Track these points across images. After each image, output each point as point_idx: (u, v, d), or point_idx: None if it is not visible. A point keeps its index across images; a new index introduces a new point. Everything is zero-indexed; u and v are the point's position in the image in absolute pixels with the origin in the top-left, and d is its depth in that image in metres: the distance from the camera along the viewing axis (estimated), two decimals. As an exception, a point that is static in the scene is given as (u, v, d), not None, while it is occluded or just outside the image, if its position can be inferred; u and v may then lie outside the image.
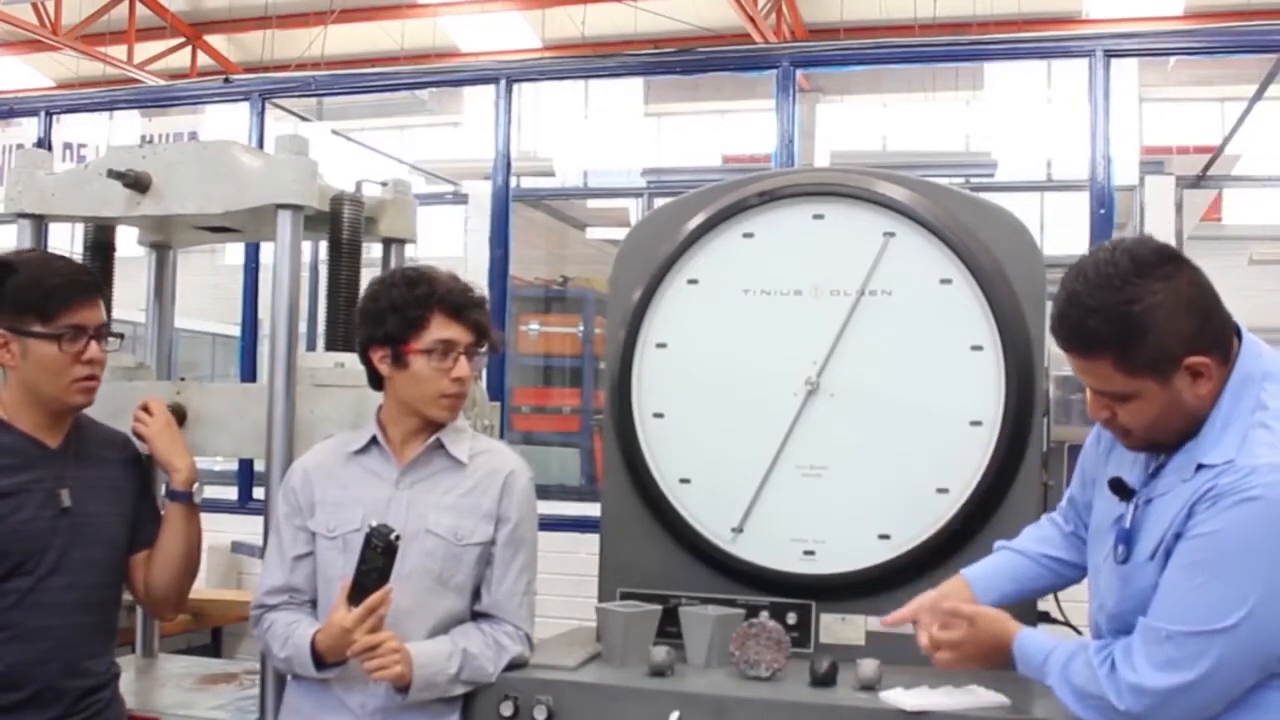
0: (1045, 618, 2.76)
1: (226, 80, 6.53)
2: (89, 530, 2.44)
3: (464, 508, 2.50)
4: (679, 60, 6.03)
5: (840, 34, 13.48)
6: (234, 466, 5.79)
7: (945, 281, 2.82)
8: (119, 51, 14.46)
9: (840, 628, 2.83)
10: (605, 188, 11.02)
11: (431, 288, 2.47)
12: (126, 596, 2.64)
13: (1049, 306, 1.99)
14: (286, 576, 2.53)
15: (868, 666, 2.47)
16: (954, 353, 2.79)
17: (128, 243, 3.36)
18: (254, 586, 2.69)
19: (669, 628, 2.76)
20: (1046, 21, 13.21)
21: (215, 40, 16.48)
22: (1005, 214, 2.91)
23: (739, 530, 2.88)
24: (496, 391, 4.94)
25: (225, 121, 7.43)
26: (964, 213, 2.87)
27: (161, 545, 2.60)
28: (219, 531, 5.40)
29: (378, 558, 2.30)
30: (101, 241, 3.22)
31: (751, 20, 12.59)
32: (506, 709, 2.45)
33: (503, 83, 5.39)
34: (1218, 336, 1.90)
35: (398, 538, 2.31)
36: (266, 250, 4.54)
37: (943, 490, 2.77)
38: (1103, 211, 4.69)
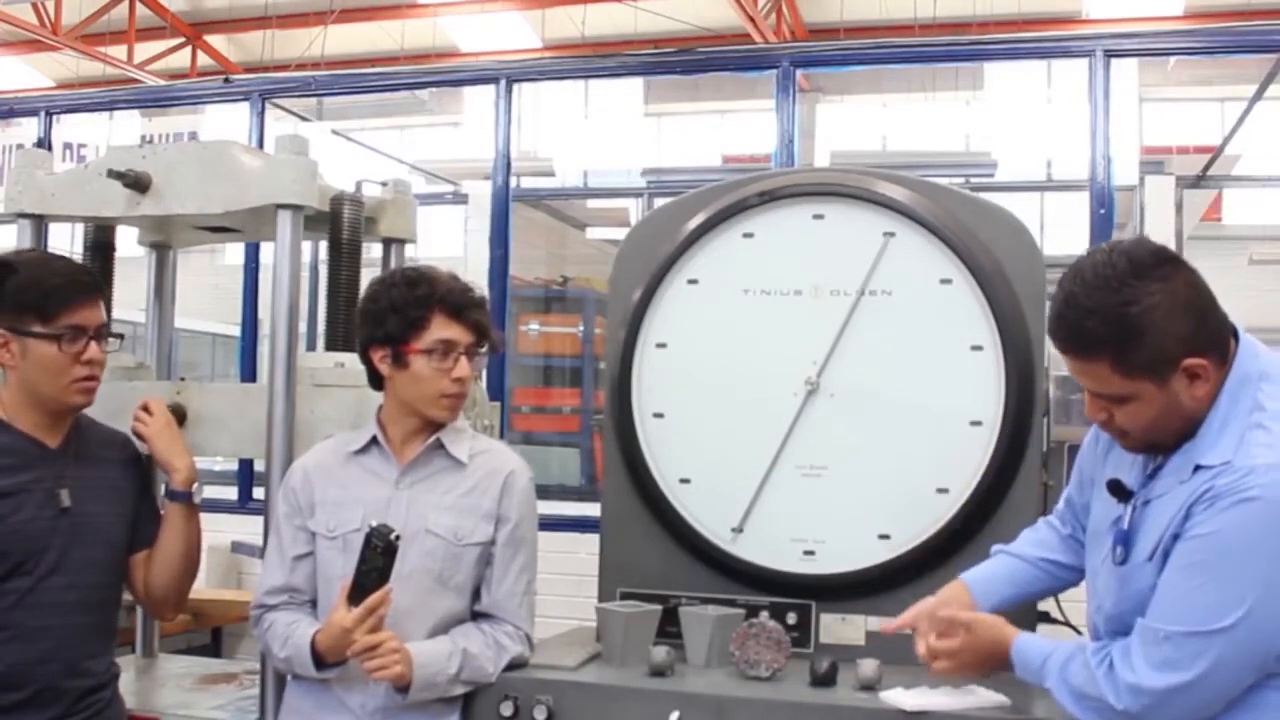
0: (1045, 618, 2.76)
1: (226, 80, 6.53)
2: (89, 530, 2.44)
3: (464, 508, 2.50)
4: (679, 60, 6.03)
5: (840, 34, 13.48)
6: (234, 466, 5.79)
7: (945, 281, 2.82)
8: (119, 51, 14.47)
9: (840, 628, 2.83)
10: (605, 188, 11.02)
11: (432, 288, 2.47)
12: (126, 596, 2.64)
13: (1049, 306, 1.99)
14: (286, 576, 2.53)
15: (868, 666, 2.47)
16: (954, 353, 2.79)
17: (128, 243, 3.36)
18: (254, 586, 2.69)
19: (669, 628, 2.76)
20: (1046, 21, 13.21)
21: (215, 40, 16.49)
22: (1005, 214, 2.91)
23: (739, 530, 2.88)
24: (496, 391, 4.94)
25: (225, 121, 7.43)
26: (964, 213, 2.87)
27: (161, 545, 2.60)
28: (219, 531, 5.40)
29: (378, 558, 2.30)
30: (101, 241, 3.22)
31: (751, 20, 12.59)
32: (506, 709, 2.45)
33: (503, 83, 5.40)
34: (1215, 338, 1.90)
35: (398, 538, 2.31)
36: (266, 250, 4.54)
37: (943, 490, 2.77)
38: (1103, 211, 4.70)
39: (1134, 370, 1.87)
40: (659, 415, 2.96)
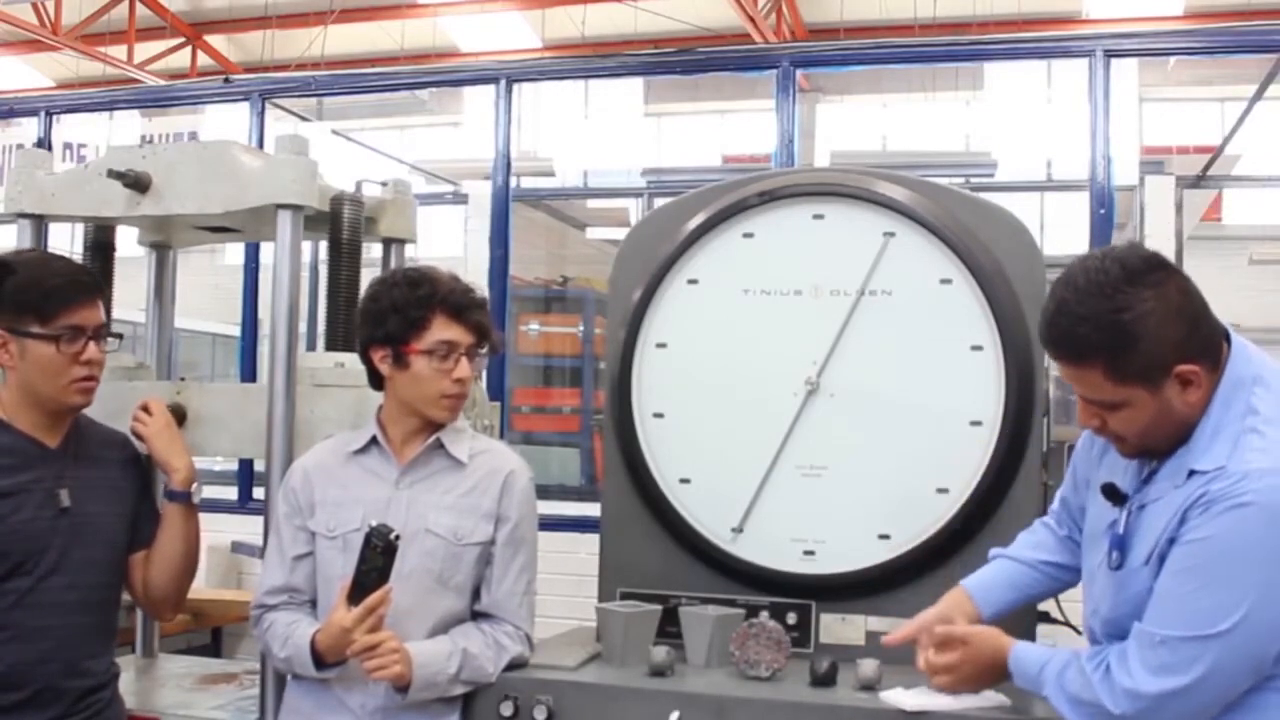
0: (1045, 618, 2.76)
1: (226, 80, 6.53)
2: (88, 530, 2.44)
3: (464, 507, 2.50)
4: (679, 60, 6.03)
5: (840, 34, 13.48)
6: (234, 466, 5.79)
7: (945, 281, 2.81)
8: (119, 51, 14.47)
9: (840, 628, 2.83)
10: (605, 188, 11.03)
11: (433, 288, 2.47)
12: (126, 596, 2.64)
13: (1041, 312, 1.99)
14: (286, 576, 2.53)
15: (868, 666, 2.47)
16: (954, 353, 2.79)
17: (128, 243, 3.36)
18: (254, 586, 2.69)
19: (669, 628, 2.76)
20: (1046, 21, 13.21)
21: (215, 40, 16.49)
22: (1005, 214, 2.91)
23: (739, 530, 2.88)
24: (496, 391, 4.94)
25: (225, 121, 7.43)
26: (964, 213, 2.87)
27: (160, 545, 2.59)
28: (219, 531, 5.40)
29: (377, 557, 2.30)
30: (101, 241, 3.22)
31: (751, 20, 12.60)
32: (506, 709, 2.45)
33: (503, 83, 5.39)
34: (1207, 343, 1.90)
35: (397, 537, 2.31)
36: (266, 250, 4.54)
37: (943, 490, 2.77)
38: (1103, 211, 4.69)
39: (1127, 377, 1.88)
40: (659, 415, 2.96)
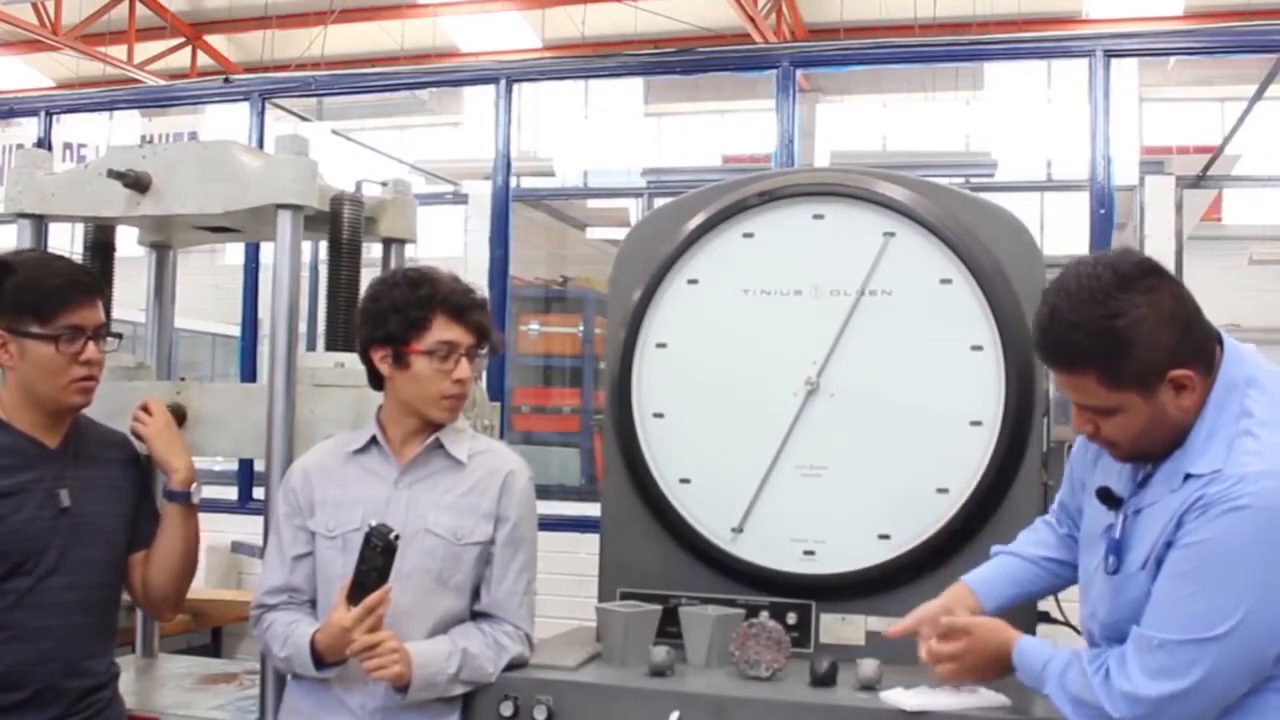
0: (1045, 618, 2.76)
1: (226, 80, 6.53)
2: (88, 530, 2.44)
3: (463, 507, 2.50)
4: (679, 60, 6.03)
5: (840, 34, 13.48)
6: (234, 466, 5.79)
7: (945, 281, 2.82)
8: (119, 51, 14.47)
9: (840, 628, 2.83)
10: (605, 188, 11.02)
11: (434, 289, 2.47)
12: (126, 596, 2.64)
13: (1034, 319, 1.99)
14: (286, 576, 2.53)
15: (868, 666, 2.47)
16: (954, 353, 2.79)
17: (128, 243, 3.36)
18: (254, 586, 2.69)
19: (669, 628, 2.76)
20: (1046, 21, 13.21)
21: (215, 40, 16.49)
22: (1005, 214, 2.91)
23: (739, 530, 2.88)
24: (496, 391, 4.94)
25: (225, 121, 7.43)
26: (964, 213, 2.87)
27: (159, 545, 2.59)
28: (219, 531, 5.40)
29: (377, 557, 2.30)
30: (101, 241, 3.22)
31: (751, 20, 12.60)
32: (506, 709, 2.45)
33: (503, 83, 5.39)
34: (1200, 348, 1.90)
35: (397, 537, 2.31)
36: (266, 250, 4.54)
37: (943, 490, 2.77)
38: (1103, 211, 4.69)
39: (1121, 383, 1.88)
40: (659, 415, 2.96)
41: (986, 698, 2.35)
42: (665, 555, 2.94)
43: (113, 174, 2.86)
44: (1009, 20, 13.24)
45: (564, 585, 3.92)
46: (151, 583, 2.59)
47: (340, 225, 2.95)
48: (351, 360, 2.69)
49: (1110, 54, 4.72)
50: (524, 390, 9.56)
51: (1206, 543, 1.81)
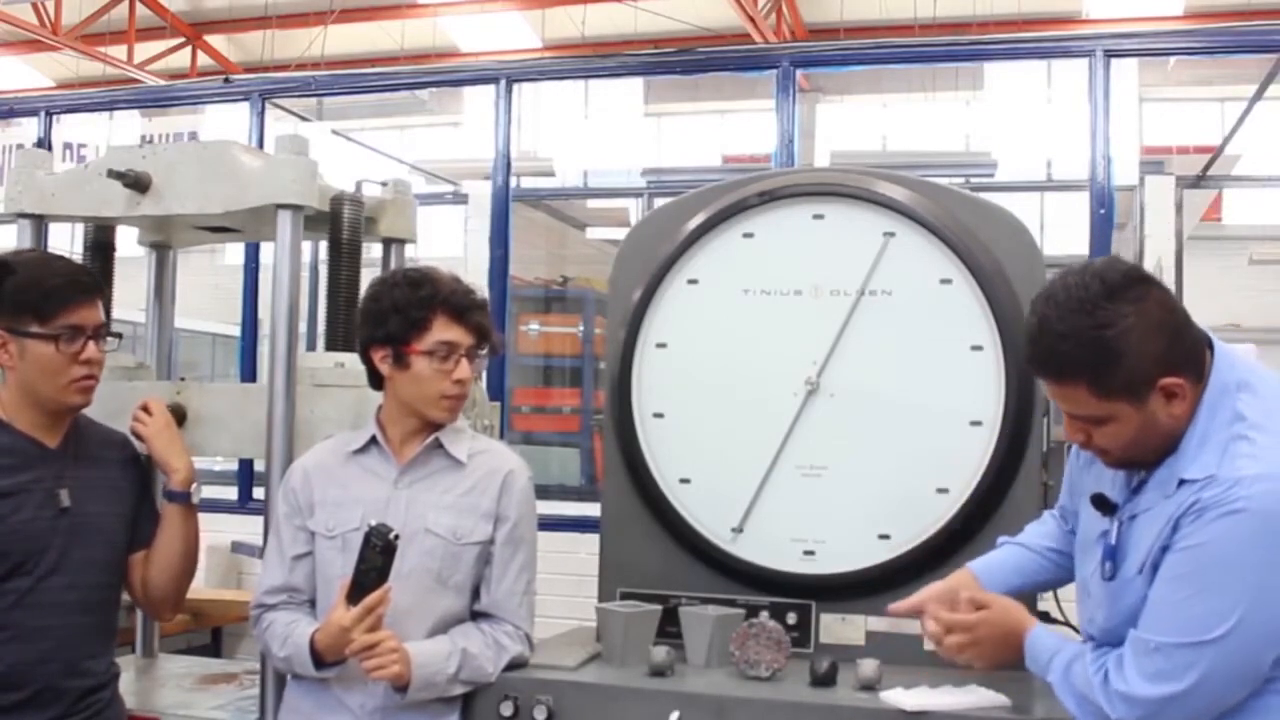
0: (1045, 618, 2.76)
1: (226, 80, 6.52)
2: (89, 530, 2.44)
3: (463, 507, 2.50)
4: (679, 60, 6.03)
5: (840, 34, 13.48)
6: (234, 466, 5.79)
7: (945, 281, 2.82)
8: (119, 51, 14.47)
9: (840, 628, 2.83)
10: (605, 188, 11.02)
11: (434, 289, 2.47)
12: (126, 596, 2.64)
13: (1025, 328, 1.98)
14: (286, 576, 2.53)
15: (868, 666, 2.47)
16: (954, 353, 2.79)
17: (128, 243, 3.36)
18: (254, 586, 2.69)
19: (669, 628, 2.76)
20: (1046, 21, 13.21)
21: (215, 40, 16.49)
22: (1005, 214, 2.91)
23: (739, 530, 2.88)
24: (496, 391, 4.94)
25: (225, 121, 7.43)
26: (964, 213, 2.87)
27: (159, 545, 2.59)
28: (219, 531, 5.40)
29: (376, 557, 2.30)
30: (101, 241, 3.22)
31: (751, 20, 12.60)
32: (506, 709, 2.45)
33: (503, 83, 5.39)
34: (1190, 355, 1.90)
35: (396, 537, 2.31)
36: (266, 250, 4.54)
37: (943, 490, 2.77)
38: (1103, 211, 4.69)
39: (1111, 392, 1.88)
40: (659, 415, 2.96)
41: (986, 698, 2.35)
42: (665, 555, 2.94)
43: (113, 174, 2.86)
44: (1009, 20, 13.24)
45: (564, 585, 3.92)
46: (151, 583, 2.59)
47: (340, 225, 2.95)
48: (351, 360, 2.69)
49: (1110, 54, 4.72)
50: (524, 390, 9.56)
51: (1203, 546, 1.81)
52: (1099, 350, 1.85)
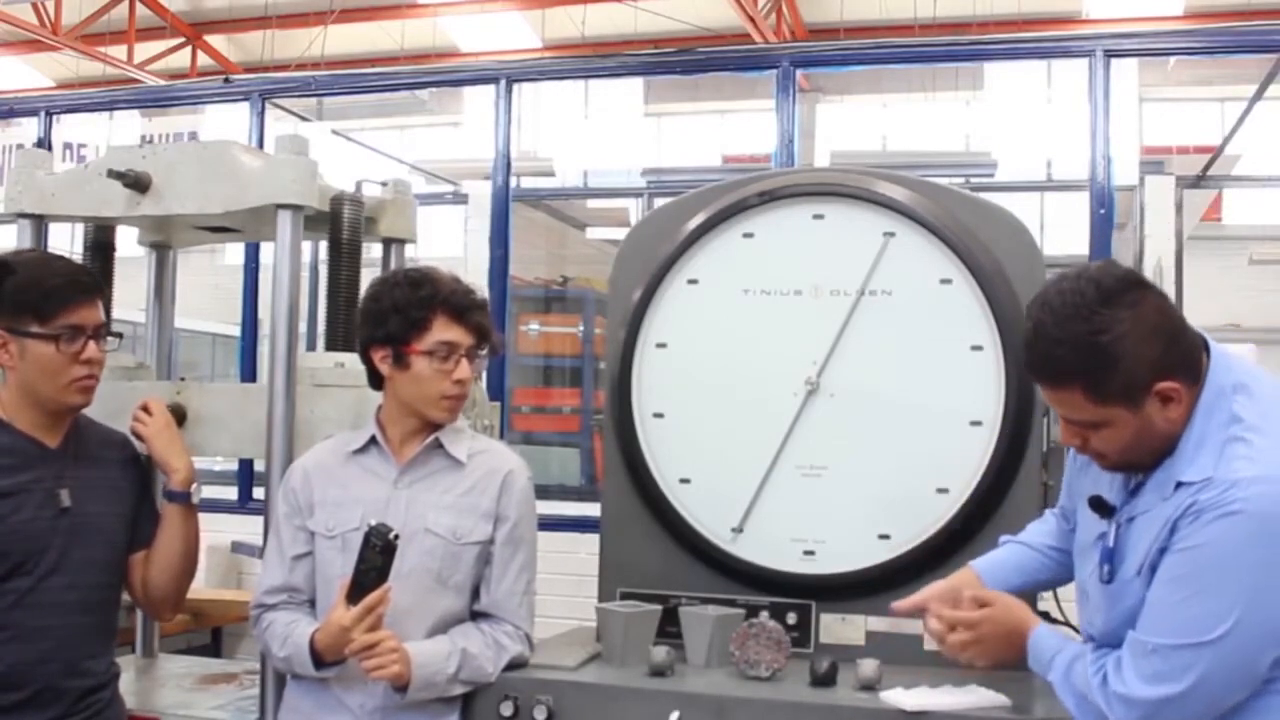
0: (1045, 617, 2.76)
1: (226, 80, 6.53)
2: (89, 530, 2.44)
3: (463, 507, 2.50)
4: (679, 60, 6.03)
5: (840, 34, 13.48)
6: (234, 466, 5.79)
7: (945, 281, 2.82)
8: (119, 51, 14.47)
9: (840, 628, 2.83)
10: (605, 188, 11.02)
11: (435, 289, 2.47)
12: (126, 596, 2.64)
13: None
14: (286, 576, 2.53)
15: (868, 666, 2.47)
16: (954, 353, 2.79)
17: (128, 243, 3.36)
18: (254, 586, 2.69)
19: (669, 628, 2.76)
20: (1046, 21, 13.21)
21: (215, 40, 16.49)
22: (1005, 214, 2.91)
23: (739, 530, 2.88)
24: (496, 391, 4.94)
25: (225, 121, 7.43)
26: (964, 213, 2.87)
27: (159, 545, 2.59)
28: (219, 531, 5.40)
29: (376, 557, 2.30)
30: (101, 241, 3.22)
31: (751, 20, 12.60)
32: (506, 709, 2.45)
33: (503, 83, 5.39)
34: (1186, 359, 1.90)
35: (396, 537, 2.31)
36: (266, 250, 4.54)
37: (943, 490, 2.77)
38: (1103, 211, 4.69)
39: (1107, 397, 1.88)
40: (659, 415, 2.96)
41: (986, 698, 2.35)
42: (665, 555, 2.94)
43: (113, 174, 2.86)
44: (1009, 20, 13.25)
45: (564, 585, 3.92)
46: (152, 583, 2.59)
47: (340, 225, 2.95)
48: (351, 360, 2.69)
49: (1110, 54, 4.72)
50: (524, 390, 9.56)
51: (1200, 548, 1.81)
52: (1094, 356, 1.85)
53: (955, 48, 6.35)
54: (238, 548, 5.55)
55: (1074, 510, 2.25)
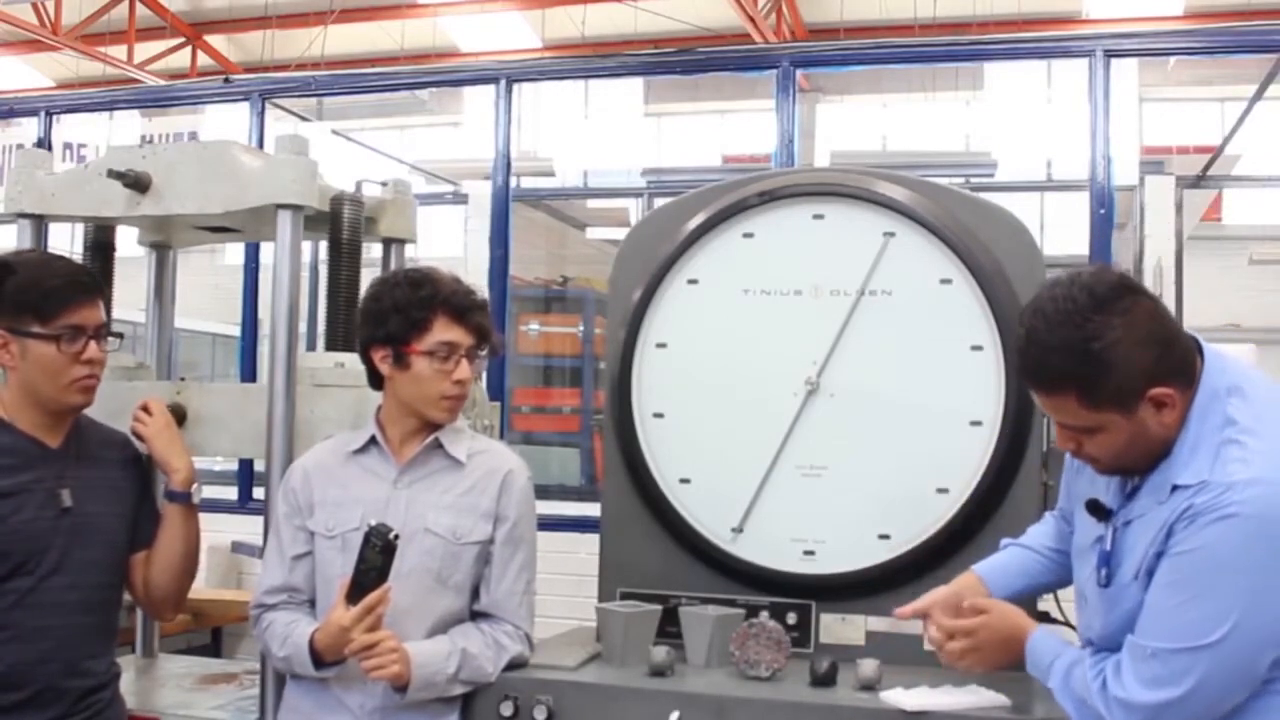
0: (1045, 618, 2.76)
1: (226, 80, 6.52)
2: (89, 530, 2.44)
3: (462, 507, 2.50)
4: (679, 60, 6.02)
5: (840, 34, 13.48)
6: (234, 466, 5.79)
7: (945, 281, 2.82)
8: (119, 51, 14.47)
9: (840, 628, 2.83)
10: (605, 188, 11.02)
11: (435, 289, 2.47)
12: (127, 596, 2.64)
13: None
14: (285, 576, 2.53)
15: (868, 666, 2.47)
16: (954, 353, 2.79)
17: (128, 243, 3.36)
18: (254, 586, 2.69)
19: (669, 628, 2.77)
20: (1046, 21, 13.21)
21: (215, 40, 16.49)
22: (1005, 214, 2.91)
23: (739, 530, 2.88)
24: (496, 391, 4.94)
25: (225, 121, 7.43)
26: (964, 213, 2.87)
27: (160, 546, 2.60)
28: (219, 531, 5.40)
29: (376, 557, 2.31)
30: (101, 241, 3.22)
31: (751, 20, 12.60)
32: (506, 709, 2.45)
33: (503, 83, 5.39)
34: (1179, 363, 1.90)
35: (396, 537, 2.31)
36: (266, 250, 4.54)
37: (943, 490, 2.77)
38: (1103, 211, 4.69)
39: (1100, 403, 1.88)
40: (659, 415, 2.96)
41: (986, 698, 2.35)
42: (665, 555, 2.94)
43: (113, 174, 2.86)
44: (1009, 20, 13.25)
45: (564, 585, 3.92)
46: (152, 583, 2.59)
47: (340, 225, 2.95)
48: (351, 360, 2.69)
49: (1110, 54, 4.72)
50: (524, 390, 9.56)
51: (1197, 551, 1.81)
52: (1087, 362, 1.85)
53: (955, 48, 6.35)
54: (238, 548, 5.55)
55: (1072, 512, 2.25)
